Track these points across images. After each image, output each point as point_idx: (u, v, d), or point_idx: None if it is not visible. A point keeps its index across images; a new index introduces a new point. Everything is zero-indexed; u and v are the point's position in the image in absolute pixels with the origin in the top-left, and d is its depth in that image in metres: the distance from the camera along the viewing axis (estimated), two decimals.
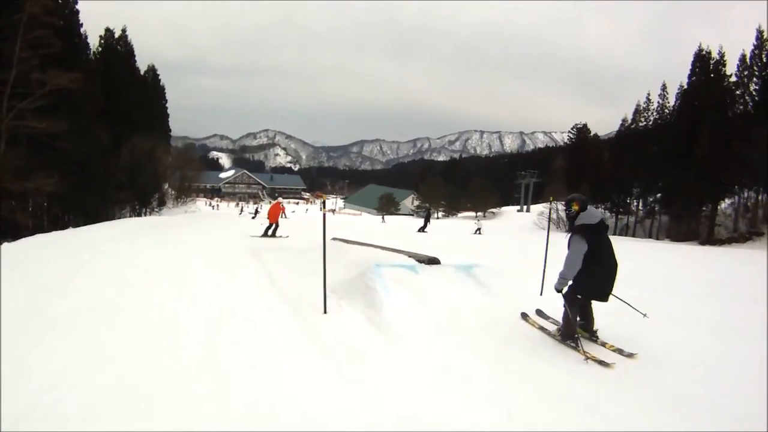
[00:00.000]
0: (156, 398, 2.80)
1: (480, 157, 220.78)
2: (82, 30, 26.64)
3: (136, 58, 36.86)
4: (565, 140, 53.09)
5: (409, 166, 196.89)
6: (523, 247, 15.82)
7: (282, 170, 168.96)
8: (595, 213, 4.06)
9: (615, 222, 35.13)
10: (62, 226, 18.08)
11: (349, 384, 3.18)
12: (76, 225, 18.91)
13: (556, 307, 4.54)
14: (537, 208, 47.01)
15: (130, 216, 27.92)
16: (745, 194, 28.38)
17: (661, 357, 3.84)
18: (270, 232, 13.10)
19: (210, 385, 3.04)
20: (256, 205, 44.43)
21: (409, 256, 5.95)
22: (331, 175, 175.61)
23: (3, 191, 17.51)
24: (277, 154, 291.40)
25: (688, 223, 29.12)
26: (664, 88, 33.81)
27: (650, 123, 34.70)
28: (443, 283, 5.24)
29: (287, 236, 12.90)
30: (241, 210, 45.40)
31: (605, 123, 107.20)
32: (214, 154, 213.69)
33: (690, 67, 30.45)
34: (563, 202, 4.41)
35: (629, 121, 36.47)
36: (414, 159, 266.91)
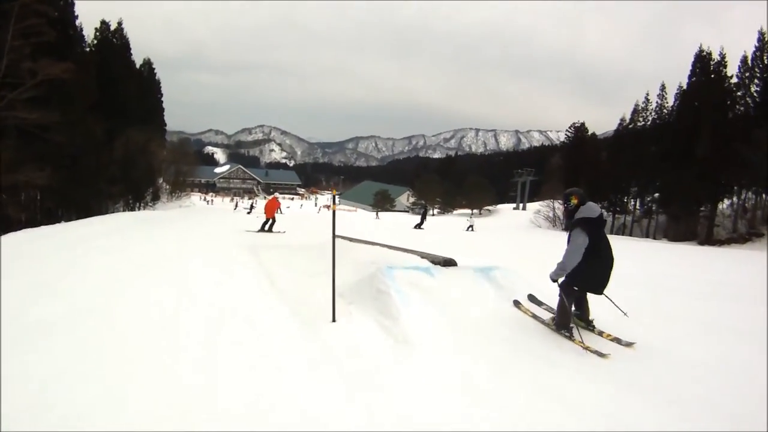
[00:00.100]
0: (156, 398, 2.76)
1: (475, 154, 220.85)
2: (77, 22, 26.21)
3: (133, 53, 36.58)
4: (562, 139, 53.16)
5: (405, 163, 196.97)
6: (520, 245, 15.71)
7: (277, 166, 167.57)
8: (594, 207, 4.09)
9: (612, 221, 35.18)
10: (55, 221, 17.71)
11: (377, 414, 2.73)
12: (68, 219, 18.54)
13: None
14: (533, 206, 47.08)
15: (124, 210, 27.53)
16: (743, 195, 28.50)
17: (661, 357, 3.82)
18: (267, 227, 13.08)
19: (210, 385, 2.98)
20: (251, 201, 44.10)
21: (422, 257, 5.38)
22: (326, 171, 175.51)
23: None
24: (272, 150, 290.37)
25: (686, 223, 29.18)
26: (663, 88, 33.88)
27: (648, 123, 34.78)
28: (462, 288, 4.78)
29: (284, 231, 12.85)
30: (236, 205, 45.13)
31: (603, 123, 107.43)
32: (209, 149, 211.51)
33: (690, 67, 30.51)
34: (561, 197, 4.51)
35: (627, 121, 36.54)
36: (409, 156, 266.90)
